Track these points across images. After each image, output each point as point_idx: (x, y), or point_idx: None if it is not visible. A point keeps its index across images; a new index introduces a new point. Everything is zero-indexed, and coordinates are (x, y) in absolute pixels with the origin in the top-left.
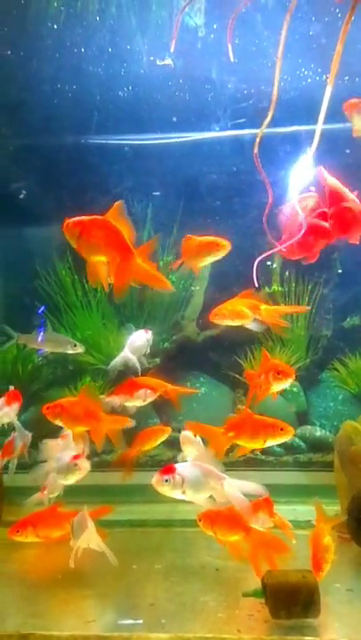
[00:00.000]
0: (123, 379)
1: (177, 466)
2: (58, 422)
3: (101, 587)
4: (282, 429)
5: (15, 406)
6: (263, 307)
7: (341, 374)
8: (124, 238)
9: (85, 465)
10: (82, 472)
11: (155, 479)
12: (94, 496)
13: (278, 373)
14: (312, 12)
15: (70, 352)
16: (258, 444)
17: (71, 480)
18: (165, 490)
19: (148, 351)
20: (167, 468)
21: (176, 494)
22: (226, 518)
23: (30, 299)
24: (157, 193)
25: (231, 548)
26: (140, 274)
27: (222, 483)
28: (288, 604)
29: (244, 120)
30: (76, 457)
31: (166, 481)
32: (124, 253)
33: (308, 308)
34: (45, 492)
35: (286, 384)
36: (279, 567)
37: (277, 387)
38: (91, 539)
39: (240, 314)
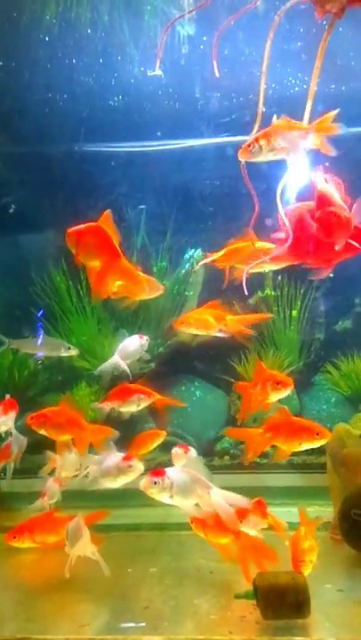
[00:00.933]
0: (116, 384)
1: (167, 470)
2: (42, 432)
3: (96, 591)
4: (318, 434)
5: (12, 414)
6: (228, 317)
7: (334, 377)
8: (112, 242)
9: (140, 466)
10: (135, 473)
11: (144, 481)
12: (90, 501)
13: (277, 384)
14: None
15: (64, 355)
16: (293, 447)
17: (122, 482)
18: (154, 492)
19: (148, 356)
20: (157, 471)
21: (164, 498)
22: (217, 521)
23: (25, 305)
24: (143, 206)
25: (221, 550)
26: (125, 276)
27: (209, 492)
28: (278, 605)
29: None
30: (127, 458)
31: (155, 483)
32: (110, 255)
33: (272, 315)
34: (45, 498)
35: (285, 394)
36: (271, 569)
37: (275, 397)
38: (85, 547)
39: (205, 323)
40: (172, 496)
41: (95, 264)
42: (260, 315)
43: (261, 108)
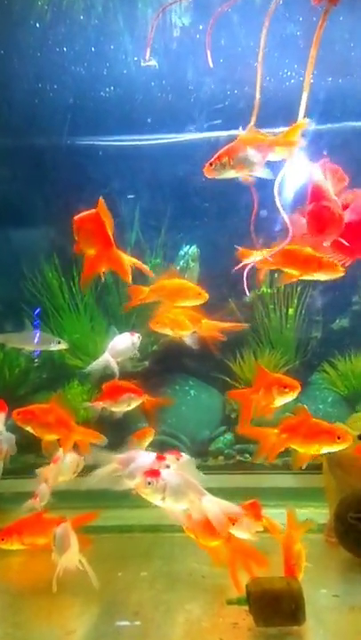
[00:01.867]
0: (104, 382)
1: (163, 471)
2: (28, 428)
3: (85, 595)
4: (339, 437)
5: (1, 416)
6: (204, 320)
7: (331, 376)
8: (106, 230)
9: (186, 456)
10: (184, 461)
11: (139, 481)
12: (81, 501)
13: (284, 387)
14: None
15: (54, 349)
16: (311, 450)
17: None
18: (147, 492)
19: (137, 355)
20: (153, 471)
21: (156, 499)
22: (208, 524)
23: (16, 301)
24: (132, 196)
25: (211, 554)
26: (115, 265)
27: (201, 498)
28: (272, 612)
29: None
30: (161, 457)
31: (149, 483)
32: (102, 244)
33: (247, 325)
34: (37, 499)
35: (291, 398)
36: (262, 574)
37: (281, 401)
38: (73, 559)
39: (181, 324)
40: (164, 498)
41: (92, 252)
42: (235, 324)
43: (259, 98)
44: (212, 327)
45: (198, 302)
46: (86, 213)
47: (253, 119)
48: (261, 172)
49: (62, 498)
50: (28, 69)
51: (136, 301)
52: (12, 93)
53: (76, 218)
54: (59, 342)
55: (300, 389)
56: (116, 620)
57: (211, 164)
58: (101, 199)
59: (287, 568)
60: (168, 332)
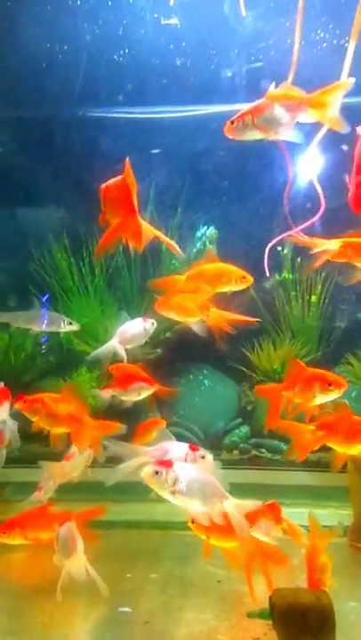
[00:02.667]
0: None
1: (177, 463)
2: (35, 419)
3: (91, 599)
4: None
5: (6, 405)
6: (213, 309)
7: (355, 369)
8: (131, 195)
9: (210, 455)
10: (208, 461)
11: (147, 470)
12: (88, 493)
13: (329, 384)
14: None
15: (64, 330)
16: (353, 450)
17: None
18: (154, 483)
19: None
20: (165, 461)
21: (164, 493)
22: (222, 525)
23: (23, 283)
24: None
25: (227, 556)
26: (133, 231)
27: (223, 502)
28: (299, 628)
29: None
30: (194, 448)
31: (157, 473)
32: (126, 210)
33: (258, 320)
34: (42, 492)
35: (334, 396)
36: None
37: (323, 400)
38: (79, 565)
39: (187, 310)
40: (173, 492)
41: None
42: (246, 318)
43: (298, 49)
44: (221, 317)
45: (243, 287)
46: (112, 180)
47: (291, 75)
48: (290, 135)
49: (68, 490)
50: (35, 27)
51: (172, 294)
52: (19, 57)
53: (102, 186)
54: (70, 323)
55: (346, 387)
56: (123, 630)
57: (232, 122)
58: (128, 160)
59: (310, 583)
60: (174, 316)
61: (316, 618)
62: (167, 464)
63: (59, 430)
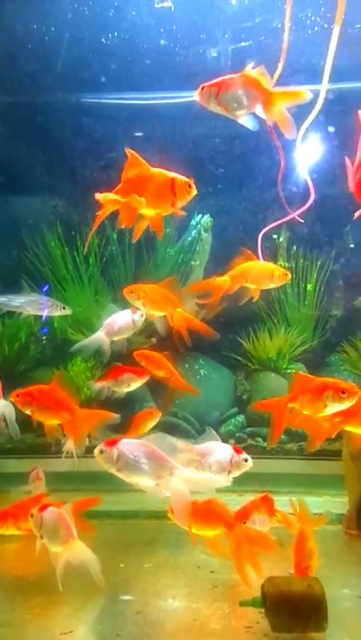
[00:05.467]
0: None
1: (125, 441)
2: (28, 412)
3: (84, 589)
4: None
5: None
6: (179, 309)
7: (351, 357)
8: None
9: (250, 460)
10: (250, 464)
11: (95, 450)
12: (84, 483)
13: (343, 392)
14: None
15: (57, 314)
16: None
17: (236, 474)
18: (100, 461)
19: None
20: (112, 440)
21: (112, 471)
22: (204, 511)
23: (16, 272)
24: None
25: (209, 544)
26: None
27: (174, 473)
28: (291, 617)
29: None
30: (238, 451)
31: (102, 452)
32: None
33: (218, 336)
34: (39, 482)
35: (348, 405)
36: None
37: (334, 408)
38: (76, 554)
39: (155, 303)
40: (119, 470)
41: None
42: (208, 329)
43: (287, 42)
44: (184, 320)
45: (284, 283)
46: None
47: (281, 64)
48: (245, 121)
49: (63, 480)
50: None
51: (218, 296)
52: (7, 42)
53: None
54: (63, 308)
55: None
56: (116, 620)
57: (202, 89)
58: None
59: (298, 571)
60: (139, 306)
61: (307, 606)
62: (113, 443)
63: (52, 422)
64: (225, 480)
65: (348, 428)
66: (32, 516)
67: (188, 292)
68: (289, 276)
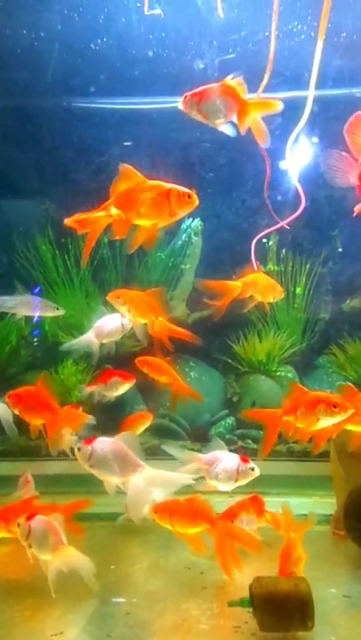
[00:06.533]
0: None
1: (100, 439)
2: (16, 411)
3: (75, 591)
4: None
5: None
6: (160, 319)
7: (340, 360)
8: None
9: (257, 469)
10: (256, 473)
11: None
12: (75, 486)
13: (334, 406)
14: None
15: (50, 315)
16: None
17: (242, 483)
18: (78, 458)
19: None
20: (89, 438)
21: (86, 467)
22: (186, 509)
23: (7, 275)
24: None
25: (192, 543)
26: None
27: (137, 471)
28: (278, 616)
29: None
30: (245, 459)
31: (79, 449)
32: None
33: (199, 342)
34: (30, 486)
35: (339, 419)
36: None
37: (326, 422)
38: (67, 561)
39: (139, 310)
40: (92, 467)
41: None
42: (190, 336)
43: (273, 54)
44: (164, 329)
45: (279, 298)
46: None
47: (267, 76)
48: (225, 128)
49: (55, 482)
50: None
51: (229, 300)
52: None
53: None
54: (57, 308)
55: (352, 410)
56: (107, 621)
57: (185, 98)
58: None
59: (282, 573)
60: (123, 310)
61: (294, 605)
62: (89, 441)
63: (37, 422)
64: (189, 478)
65: (348, 427)
66: (19, 525)
67: (202, 289)
68: (283, 293)
